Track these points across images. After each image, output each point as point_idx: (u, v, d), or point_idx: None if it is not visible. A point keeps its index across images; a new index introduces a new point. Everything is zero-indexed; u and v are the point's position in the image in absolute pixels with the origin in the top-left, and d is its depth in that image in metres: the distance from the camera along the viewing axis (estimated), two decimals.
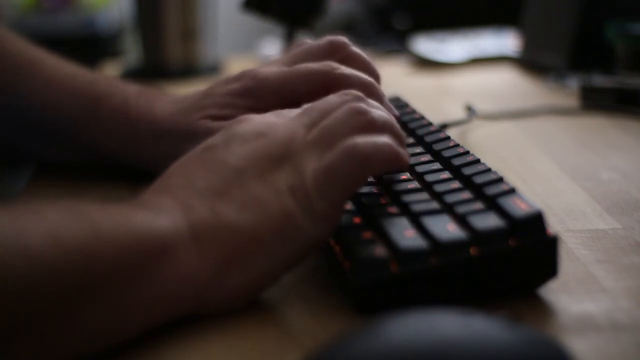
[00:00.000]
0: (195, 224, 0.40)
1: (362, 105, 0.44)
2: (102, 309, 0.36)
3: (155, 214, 0.40)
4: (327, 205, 0.41)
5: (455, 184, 0.45)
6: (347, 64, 0.57)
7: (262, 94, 0.56)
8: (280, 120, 0.44)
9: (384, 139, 0.42)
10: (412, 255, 0.40)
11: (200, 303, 0.40)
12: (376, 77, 0.59)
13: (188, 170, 0.43)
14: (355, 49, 0.59)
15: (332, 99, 0.45)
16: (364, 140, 0.41)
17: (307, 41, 0.60)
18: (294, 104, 0.49)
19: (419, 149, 0.53)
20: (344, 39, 0.59)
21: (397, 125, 0.45)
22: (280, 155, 0.42)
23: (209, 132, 0.55)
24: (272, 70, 0.57)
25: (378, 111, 0.44)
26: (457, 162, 0.49)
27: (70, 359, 0.36)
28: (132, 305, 0.37)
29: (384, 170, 0.47)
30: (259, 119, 0.45)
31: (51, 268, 0.35)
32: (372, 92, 0.53)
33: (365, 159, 0.41)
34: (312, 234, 0.41)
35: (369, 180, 0.48)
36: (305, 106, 0.46)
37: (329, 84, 0.53)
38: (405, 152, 0.44)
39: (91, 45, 2.38)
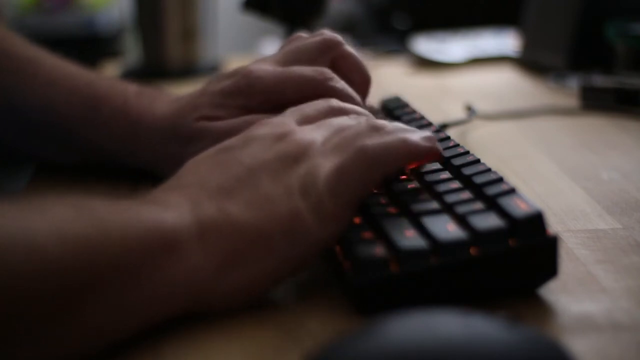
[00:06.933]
0: (202, 220, 0.40)
1: (379, 122, 0.45)
2: (104, 306, 0.36)
3: (162, 210, 0.40)
4: (338, 205, 0.41)
5: (455, 184, 0.45)
6: (339, 63, 0.58)
7: (253, 94, 0.56)
8: (298, 127, 0.45)
9: (396, 136, 0.43)
10: (412, 255, 0.40)
11: (203, 300, 0.40)
12: (367, 78, 0.59)
13: (201, 170, 0.43)
14: (349, 48, 0.58)
15: (345, 120, 0.46)
16: (372, 141, 0.42)
17: (302, 35, 0.60)
18: (282, 105, 0.49)
19: None
20: (338, 36, 0.59)
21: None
22: (296, 158, 0.42)
23: (206, 133, 0.55)
24: (266, 69, 0.57)
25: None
26: (457, 162, 0.49)
27: (71, 358, 0.36)
28: (134, 301, 0.37)
29: (409, 165, 0.47)
30: (277, 121, 0.46)
31: (56, 264, 0.35)
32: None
33: (374, 160, 0.42)
34: (319, 236, 0.41)
35: None
36: (323, 121, 0.46)
37: (320, 93, 0.53)
38: (423, 142, 0.44)
39: (91, 45, 2.38)
